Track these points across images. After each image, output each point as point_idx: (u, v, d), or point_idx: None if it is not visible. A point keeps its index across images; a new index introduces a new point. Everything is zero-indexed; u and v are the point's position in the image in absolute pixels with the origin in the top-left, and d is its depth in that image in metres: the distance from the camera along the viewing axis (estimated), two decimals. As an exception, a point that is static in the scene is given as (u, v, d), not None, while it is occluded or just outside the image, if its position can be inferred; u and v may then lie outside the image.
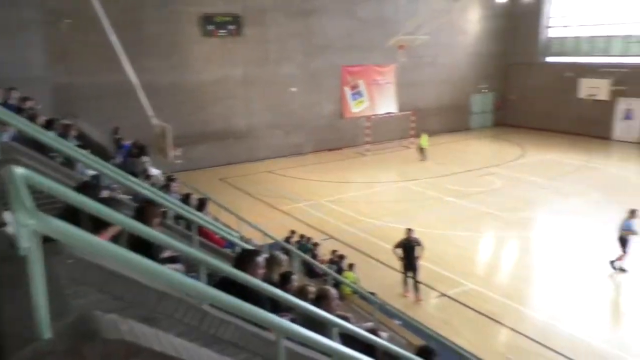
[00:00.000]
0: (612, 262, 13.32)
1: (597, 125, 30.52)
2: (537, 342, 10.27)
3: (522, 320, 11.28)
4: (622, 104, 29.63)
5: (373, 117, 28.80)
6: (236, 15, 25.08)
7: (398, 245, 12.16)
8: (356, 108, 28.80)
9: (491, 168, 24.36)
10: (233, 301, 2.79)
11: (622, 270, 13.19)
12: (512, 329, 10.84)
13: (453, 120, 33.59)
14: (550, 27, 33.31)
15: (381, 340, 4.48)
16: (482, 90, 34.93)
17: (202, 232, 7.50)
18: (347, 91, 28.50)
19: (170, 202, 6.53)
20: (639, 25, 28.71)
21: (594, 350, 9.99)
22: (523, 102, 34.40)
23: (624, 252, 13.16)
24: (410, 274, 12.13)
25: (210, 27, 24.54)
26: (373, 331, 4.83)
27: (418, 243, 12.10)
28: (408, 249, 12.04)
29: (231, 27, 25.02)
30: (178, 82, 24.01)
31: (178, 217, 7.42)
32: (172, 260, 4.83)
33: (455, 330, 10.70)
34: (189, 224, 6.83)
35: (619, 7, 29.36)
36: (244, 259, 4.28)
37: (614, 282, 13.15)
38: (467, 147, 30.14)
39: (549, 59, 33.44)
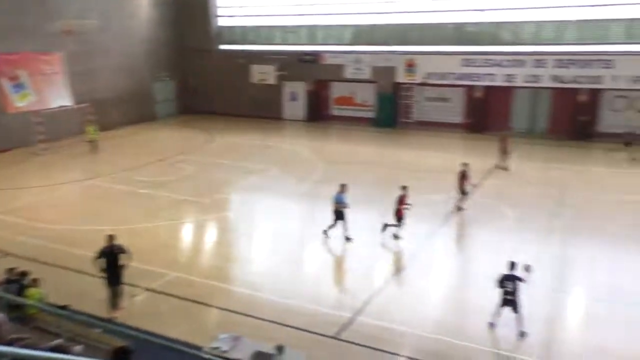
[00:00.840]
0: (325, 231, 14.40)
1: (270, 107, 33.86)
2: (243, 314, 10.79)
3: (229, 297, 11.69)
4: (287, 87, 33.55)
5: (44, 111, 25.47)
6: None
7: (100, 255, 10.56)
8: (20, 102, 24.93)
9: (182, 155, 24.50)
10: None
11: (348, 239, 14.31)
12: (221, 308, 11.13)
13: (137, 110, 32.45)
14: (219, 16, 35.11)
15: (69, 356, 3.86)
16: (164, 78, 34.70)
17: None
18: (6, 83, 24.37)
19: None
20: (296, 18, 32.77)
21: (295, 310, 11.06)
22: (205, 89, 35.57)
23: (342, 222, 14.19)
24: (115, 284, 10.73)
25: None
26: (60, 348, 4.15)
27: (122, 250, 10.68)
28: (111, 258, 10.58)
29: None
30: None
31: None
32: None
33: (163, 322, 10.39)
34: None
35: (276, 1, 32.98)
36: None
37: (322, 247, 14.81)
38: (155, 137, 29.64)
39: (223, 47, 35.33)
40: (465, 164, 16.71)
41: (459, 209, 16.63)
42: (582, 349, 9.63)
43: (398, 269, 13.09)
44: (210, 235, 16.08)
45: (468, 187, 16.59)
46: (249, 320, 10.59)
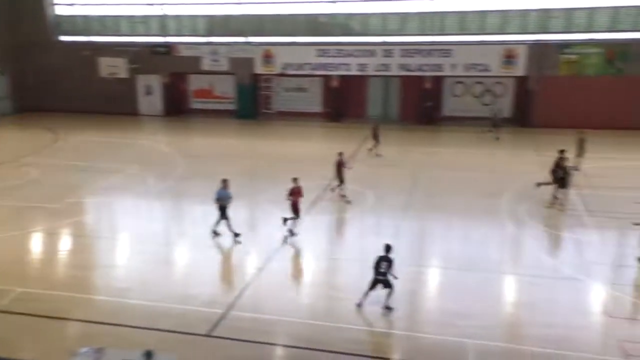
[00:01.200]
0: (214, 232, 13.97)
1: (124, 102, 31.88)
2: (108, 323, 10.06)
3: (90, 307, 10.82)
4: (142, 81, 31.81)
5: None
6: None
7: None
8: None
9: (23, 158, 22.14)
10: None
11: (216, 233, 13.97)
12: (81, 320, 10.26)
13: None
14: (56, 4, 32.08)
15: None
16: (-6, 74, 30.99)
17: None
18: None
19: None
20: (144, 7, 31.04)
21: (165, 312, 10.57)
22: (45, 85, 32.36)
23: (225, 218, 13.74)
24: None
25: None
26: None
27: None
28: None
29: None
30: None
31: None
32: None
33: (12, 344, 9.29)
34: None
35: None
36: None
37: (212, 246, 14.21)
38: (-11, 140, 26.42)
39: (64, 38, 32.39)
40: (340, 153, 17.13)
41: (344, 196, 16.92)
42: (441, 316, 10.47)
43: (268, 259, 13.12)
44: (65, 243, 14.73)
45: (346, 173, 17.02)
46: (114, 329, 9.91)
